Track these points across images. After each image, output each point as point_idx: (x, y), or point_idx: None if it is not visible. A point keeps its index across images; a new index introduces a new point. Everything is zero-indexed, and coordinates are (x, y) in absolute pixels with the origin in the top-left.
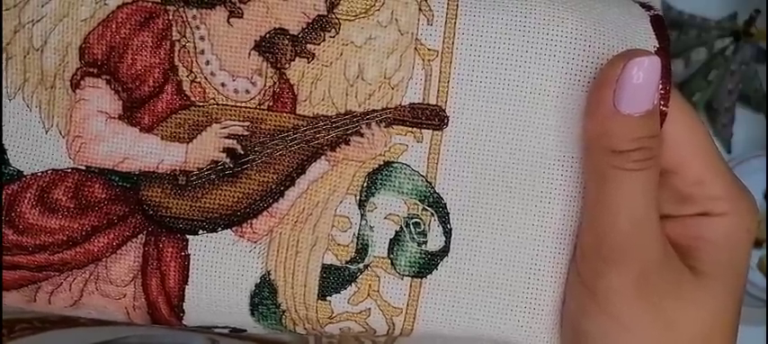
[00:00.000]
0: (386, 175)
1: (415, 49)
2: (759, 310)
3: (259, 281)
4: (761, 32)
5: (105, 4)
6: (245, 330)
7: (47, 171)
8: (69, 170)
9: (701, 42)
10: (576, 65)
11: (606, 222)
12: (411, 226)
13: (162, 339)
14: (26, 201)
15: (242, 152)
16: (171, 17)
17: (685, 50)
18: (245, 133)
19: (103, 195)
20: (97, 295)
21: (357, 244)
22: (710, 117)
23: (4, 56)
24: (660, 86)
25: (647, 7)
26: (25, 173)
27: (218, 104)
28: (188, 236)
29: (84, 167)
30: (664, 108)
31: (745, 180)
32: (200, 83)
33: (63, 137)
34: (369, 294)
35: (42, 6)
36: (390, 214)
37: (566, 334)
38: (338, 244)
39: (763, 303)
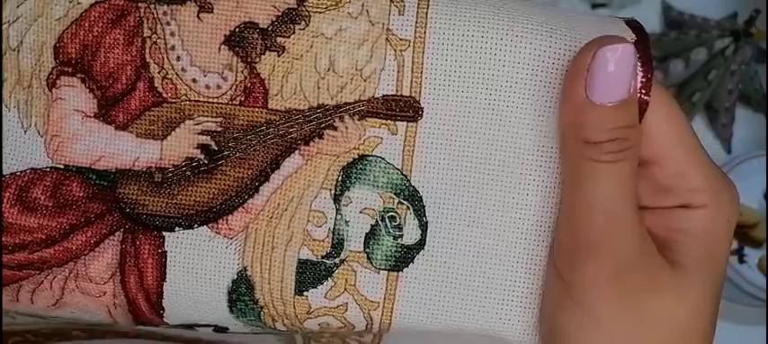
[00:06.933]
0: (360, 168)
1: (387, 39)
2: (759, 310)
3: (236, 277)
4: (761, 32)
5: (78, 3)
6: (228, 329)
7: (26, 170)
8: (48, 169)
9: (700, 42)
10: (551, 52)
11: (581, 216)
12: (387, 220)
13: None
14: (5, 200)
15: (216, 148)
16: (142, 14)
17: (685, 50)
18: (219, 129)
19: (81, 194)
20: (78, 293)
21: (333, 239)
22: (710, 117)
23: None
24: (641, 75)
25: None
26: (4, 173)
27: (190, 101)
28: (164, 233)
29: (62, 166)
30: (645, 97)
31: (745, 180)
32: (171, 79)
33: (41, 136)
34: (345, 289)
35: (18, 6)
36: (366, 208)
37: (542, 328)
38: (314, 239)
39: (763, 302)
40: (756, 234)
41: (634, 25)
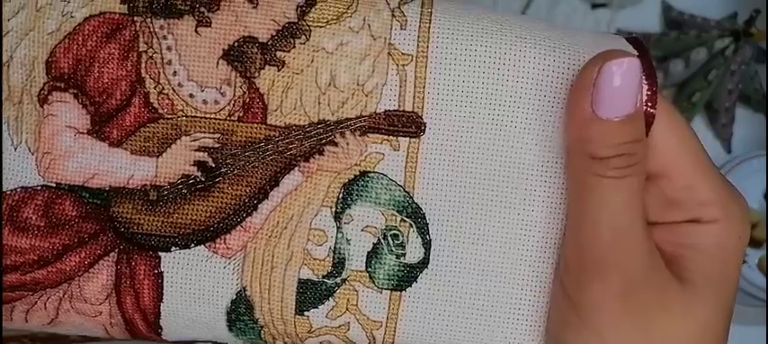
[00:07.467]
0: (362, 185)
1: (389, 54)
2: (759, 310)
3: (235, 297)
4: (761, 32)
5: (72, 16)
6: None
7: (16, 189)
8: (39, 187)
9: (700, 42)
10: (554, 67)
11: (588, 232)
12: (389, 238)
13: None
14: None
15: (213, 165)
16: (138, 28)
17: (685, 50)
18: (216, 145)
19: (74, 213)
20: (73, 313)
21: (334, 258)
22: (710, 117)
23: None
24: (646, 88)
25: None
26: None
27: (186, 116)
28: (160, 253)
29: (54, 184)
30: (651, 110)
31: (746, 180)
32: (167, 95)
33: (32, 153)
34: (347, 309)
35: (8, 20)
36: (367, 226)
37: None
38: (314, 258)
39: (763, 302)
40: (756, 234)
41: (634, 42)
